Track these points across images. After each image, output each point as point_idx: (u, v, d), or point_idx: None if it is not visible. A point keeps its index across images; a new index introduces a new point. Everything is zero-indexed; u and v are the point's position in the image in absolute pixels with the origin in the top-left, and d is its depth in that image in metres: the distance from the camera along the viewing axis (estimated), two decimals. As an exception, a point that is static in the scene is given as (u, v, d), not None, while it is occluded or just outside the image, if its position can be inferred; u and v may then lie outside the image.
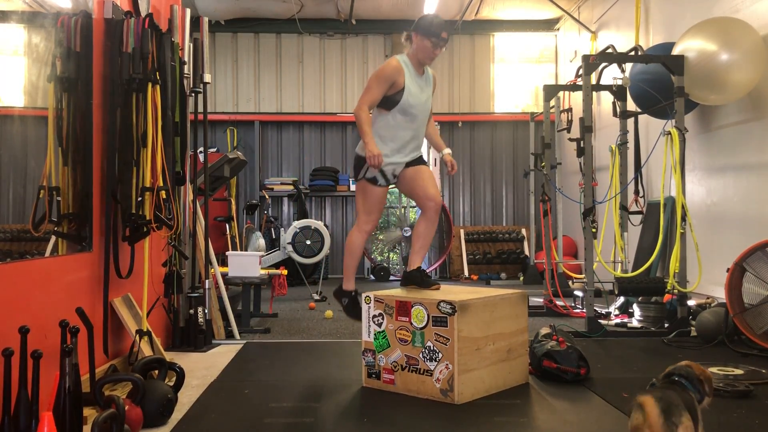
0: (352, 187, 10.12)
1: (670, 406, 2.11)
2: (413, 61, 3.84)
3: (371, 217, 3.92)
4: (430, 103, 3.95)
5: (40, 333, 2.73)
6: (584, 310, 5.48)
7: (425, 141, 4.14)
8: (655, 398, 2.13)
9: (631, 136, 6.18)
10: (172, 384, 3.16)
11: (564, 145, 8.41)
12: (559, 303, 6.42)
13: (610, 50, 6.23)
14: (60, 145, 3.28)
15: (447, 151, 4.13)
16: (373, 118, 3.83)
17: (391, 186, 3.95)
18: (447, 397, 3.30)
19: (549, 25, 10.43)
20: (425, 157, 10.51)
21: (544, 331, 4.03)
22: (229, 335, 5.07)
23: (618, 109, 6.04)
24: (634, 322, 5.59)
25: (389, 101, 3.77)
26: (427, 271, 9.84)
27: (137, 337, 3.65)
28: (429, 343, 3.36)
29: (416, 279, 3.82)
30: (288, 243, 7.93)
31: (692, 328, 5.02)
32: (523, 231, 10.12)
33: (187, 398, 3.36)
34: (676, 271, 5.04)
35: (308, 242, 7.89)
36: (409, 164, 3.93)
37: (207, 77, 4.79)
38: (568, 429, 2.96)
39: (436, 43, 3.78)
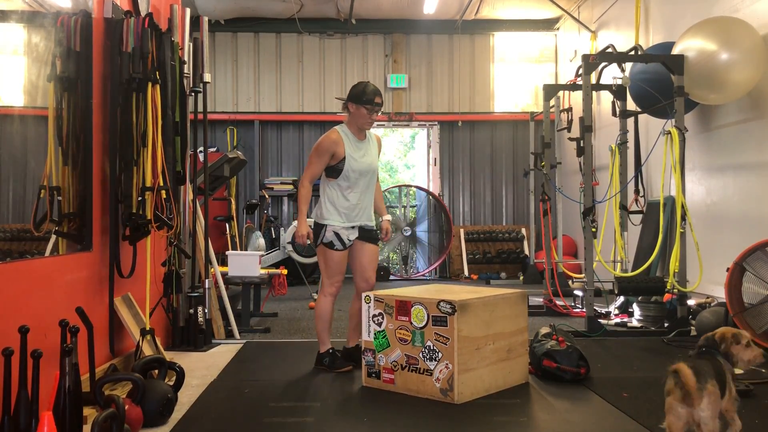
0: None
1: (699, 374, 2.31)
2: (352, 129, 4.03)
3: (334, 280, 4.04)
4: (375, 165, 4.11)
5: (40, 332, 2.73)
6: (584, 310, 5.48)
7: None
8: (688, 366, 2.31)
9: (631, 136, 6.18)
10: (172, 383, 3.16)
11: (564, 144, 8.41)
12: (559, 302, 6.42)
13: (609, 50, 6.23)
14: (60, 145, 3.28)
15: (387, 217, 4.33)
16: (323, 186, 4.05)
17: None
18: (447, 397, 3.30)
19: (549, 24, 10.42)
20: (425, 158, 10.55)
21: (544, 330, 4.03)
22: (229, 335, 5.07)
23: (618, 109, 6.03)
24: (634, 322, 5.60)
25: (333, 170, 3.96)
26: (427, 271, 9.88)
27: (140, 337, 3.65)
28: (429, 343, 3.36)
29: (355, 356, 3.99)
30: (288, 242, 7.92)
31: (692, 327, 5.02)
32: (523, 230, 10.12)
33: (187, 398, 3.36)
34: (676, 270, 5.04)
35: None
36: (360, 236, 4.05)
37: (207, 77, 4.79)
38: (568, 429, 2.96)
39: (371, 109, 3.96)
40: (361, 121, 3.98)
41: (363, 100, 3.93)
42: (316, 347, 4.14)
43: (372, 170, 4.06)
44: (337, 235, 3.96)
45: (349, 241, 4.01)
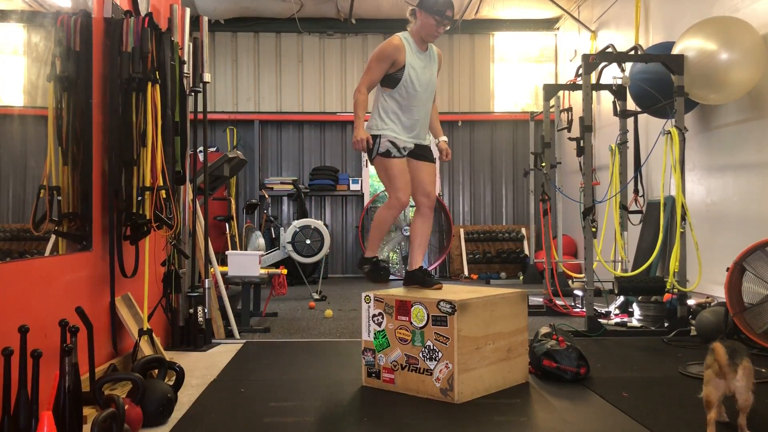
0: (352, 186, 10.13)
1: (735, 351, 2.60)
2: (416, 38, 3.85)
3: (399, 194, 3.81)
4: (434, 80, 3.91)
5: (40, 332, 2.73)
6: (584, 310, 5.48)
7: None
8: (723, 345, 2.61)
9: (630, 136, 6.18)
10: (171, 383, 3.16)
11: (564, 144, 8.41)
12: (559, 302, 6.42)
13: (609, 49, 6.23)
14: (60, 145, 3.28)
15: (443, 138, 4.10)
16: (377, 96, 3.84)
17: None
18: (447, 397, 3.30)
19: (549, 24, 10.42)
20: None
21: (544, 330, 4.03)
22: (229, 335, 5.07)
23: (618, 109, 6.03)
24: (634, 322, 5.60)
25: (392, 79, 3.77)
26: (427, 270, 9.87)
27: (138, 337, 3.65)
28: (429, 343, 3.36)
29: (419, 278, 3.82)
30: (288, 242, 7.92)
31: (692, 327, 5.02)
32: (523, 230, 10.12)
33: (186, 398, 3.36)
34: (676, 270, 5.04)
35: (308, 242, 7.89)
36: (415, 154, 3.89)
37: (207, 76, 4.79)
38: (568, 428, 2.96)
39: (440, 21, 3.78)
40: (426, 32, 3.80)
41: (434, 9, 3.75)
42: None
43: (431, 85, 3.88)
44: (392, 143, 3.77)
45: (405, 150, 3.82)
